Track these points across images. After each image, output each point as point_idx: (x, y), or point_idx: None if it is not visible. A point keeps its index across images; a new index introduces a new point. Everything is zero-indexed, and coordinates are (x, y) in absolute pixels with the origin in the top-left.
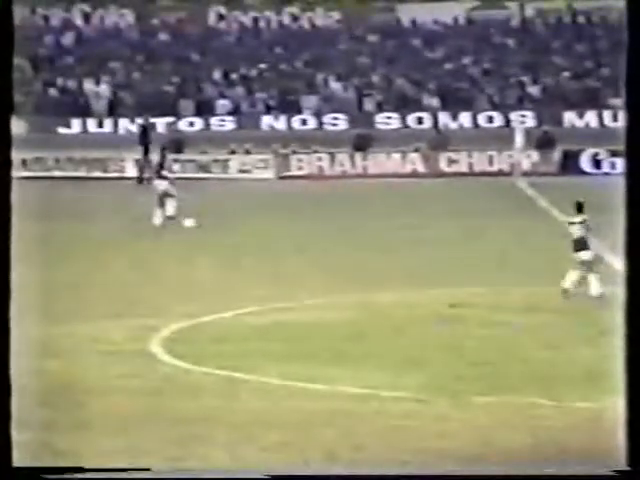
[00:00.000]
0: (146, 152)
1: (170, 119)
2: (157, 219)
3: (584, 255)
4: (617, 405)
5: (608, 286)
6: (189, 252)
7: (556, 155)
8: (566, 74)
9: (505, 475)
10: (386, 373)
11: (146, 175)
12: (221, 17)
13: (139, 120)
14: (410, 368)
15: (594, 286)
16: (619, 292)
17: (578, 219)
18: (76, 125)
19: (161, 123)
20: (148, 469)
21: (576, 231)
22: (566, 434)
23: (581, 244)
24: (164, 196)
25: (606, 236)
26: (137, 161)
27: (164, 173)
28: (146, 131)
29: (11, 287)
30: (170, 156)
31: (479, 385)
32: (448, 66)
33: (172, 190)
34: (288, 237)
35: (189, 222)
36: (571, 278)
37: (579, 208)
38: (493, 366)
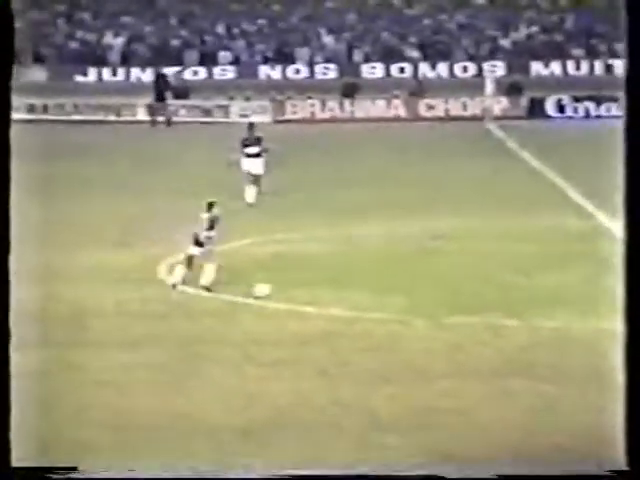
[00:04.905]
0: (161, 97)
1: (177, 68)
2: (249, 197)
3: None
4: (578, 324)
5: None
6: (194, 187)
7: (524, 101)
8: (534, 28)
9: (505, 475)
10: (372, 298)
11: (159, 118)
12: None
13: (149, 69)
14: (393, 293)
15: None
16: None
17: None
18: (92, 73)
19: (168, 72)
20: (142, 469)
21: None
22: (530, 350)
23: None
24: (253, 176)
25: (571, 175)
26: (149, 106)
27: (253, 150)
28: (161, 78)
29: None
30: (178, 102)
31: (454, 307)
32: (427, 22)
33: (261, 171)
34: (284, 177)
35: (262, 290)
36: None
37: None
38: (468, 290)
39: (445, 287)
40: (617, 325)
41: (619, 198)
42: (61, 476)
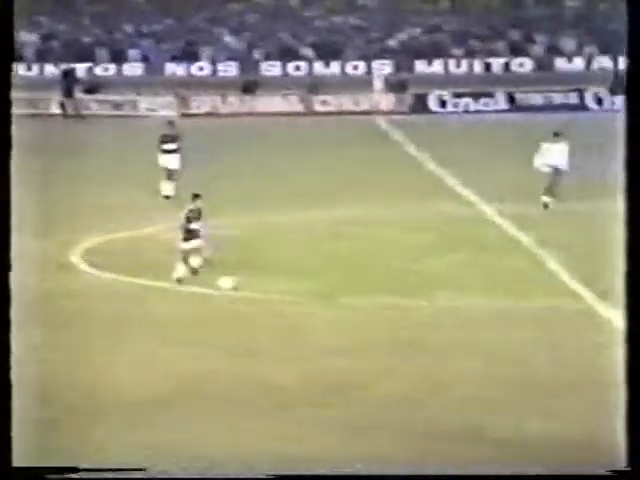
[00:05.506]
0: (69, 93)
1: (88, 64)
2: (166, 190)
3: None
4: (464, 303)
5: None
6: (105, 177)
7: (409, 97)
8: (417, 30)
9: (505, 475)
10: (281, 281)
11: (69, 112)
12: None
13: (62, 66)
14: (301, 277)
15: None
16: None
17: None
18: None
19: (80, 68)
20: (143, 469)
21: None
22: (426, 328)
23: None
24: (170, 172)
25: (450, 164)
26: (59, 101)
27: (171, 147)
28: (68, 75)
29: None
30: (87, 96)
31: (355, 289)
32: (321, 23)
33: (177, 166)
34: (195, 168)
35: (226, 283)
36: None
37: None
38: (367, 274)
39: (349, 270)
40: (500, 303)
41: (495, 185)
42: (61, 476)
